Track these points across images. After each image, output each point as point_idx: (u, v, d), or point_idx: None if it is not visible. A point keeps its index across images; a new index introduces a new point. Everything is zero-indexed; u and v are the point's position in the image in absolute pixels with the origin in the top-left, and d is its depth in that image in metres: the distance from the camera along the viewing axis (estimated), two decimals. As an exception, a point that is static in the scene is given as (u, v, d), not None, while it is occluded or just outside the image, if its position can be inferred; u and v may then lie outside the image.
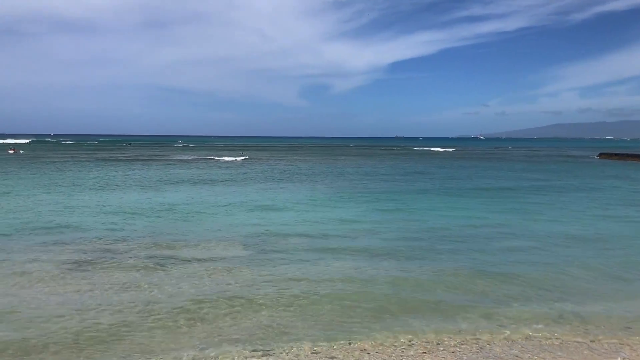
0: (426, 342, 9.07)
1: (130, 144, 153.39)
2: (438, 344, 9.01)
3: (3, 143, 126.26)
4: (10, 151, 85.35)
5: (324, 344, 8.93)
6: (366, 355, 8.50)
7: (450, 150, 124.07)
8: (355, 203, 26.56)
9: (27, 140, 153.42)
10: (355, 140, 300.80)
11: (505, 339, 9.27)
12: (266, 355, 8.43)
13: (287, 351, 8.63)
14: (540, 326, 9.91)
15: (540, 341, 9.20)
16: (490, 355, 8.56)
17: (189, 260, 14.46)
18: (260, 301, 11.06)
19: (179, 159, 70.05)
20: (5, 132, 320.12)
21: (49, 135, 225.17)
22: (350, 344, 8.96)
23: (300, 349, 8.70)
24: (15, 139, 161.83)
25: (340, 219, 21.31)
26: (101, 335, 9.24)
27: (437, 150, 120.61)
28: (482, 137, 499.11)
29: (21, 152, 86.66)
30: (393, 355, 8.52)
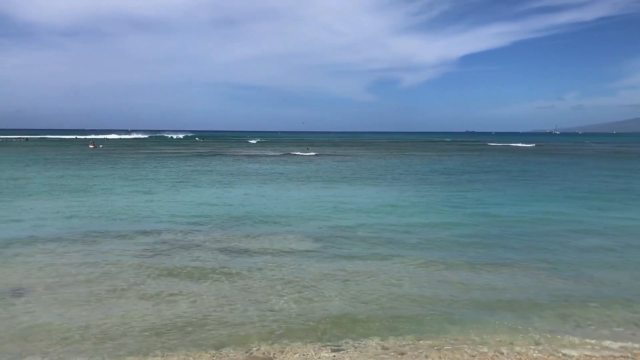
0: (499, 341, 8.87)
1: (202, 139, 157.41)
2: (511, 344, 8.79)
3: (86, 138, 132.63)
4: (90, 146, 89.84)
5: (393, 339, 8.91)
6: (436, 352, 8.41)
7: (529, 145, 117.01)
8: (428, 201, 25.98)
9: (117, 136, 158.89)
10: (424, 135, 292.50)
11: (582, 341, 8.92)
12: (335, 350, 8.50)
13: (355, 346, 8.67)
14: (620, 329, 9.48)
15: (620, 346, 8.78)
16: (568, 358, 8.27)
17: (261, 254, 14.77)
18: (329, 296, 11.16)
19: (249, 154, 71.36)
20: (87, 128, 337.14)
21: (126, 131, 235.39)
22: (420, 340, 8.89)
23: (369, 345, 8.71)
24: (96, 134, 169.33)
25: (412, 217, 21.02)
26: (177, 324, 9.61)
27: (517, 146, 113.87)
28: (557, 132, 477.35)
29: (100, 146, 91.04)
30: (465, 353, 8.39)
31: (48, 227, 18.58)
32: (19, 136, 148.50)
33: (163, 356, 8.36)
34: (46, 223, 19.29)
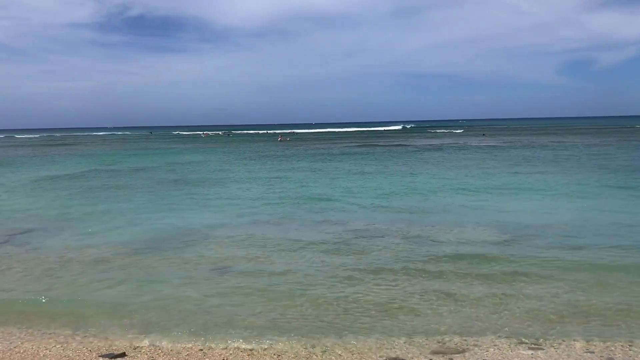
0: None
1: (385, 130, 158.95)
2: None
3: (275, 133, 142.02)
4: (279, 139, 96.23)
5: (600, 343, 8.20)
6: (652, 360, 7.58)
7: None
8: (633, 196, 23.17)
9: (304, 130, 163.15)
10: (627, 120, 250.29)
11: None
12: (533, 349, 8.07)
13: (556, 347, 8.14)
14: None
15: None
16: None
17: (443, 243, 14.60)
18: (523, 290, 10.63)
19: (430, 144, 70.44)
20: (275, 123, 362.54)
21: (312, 125, 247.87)
22: (630, 345, 8.08)
23: (572, 346, 8.11)
24: (283, 128, 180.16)
25: (610, 210, 19.02)
26: (367, 309, 9.89)
27: None
28: None
29: (288, 139, 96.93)
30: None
31: (246, 212, 20.40)
32: (216, 132, 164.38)
33: (355, 340, 8.65)
34: (244, 208, 21.20)
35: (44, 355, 8.31)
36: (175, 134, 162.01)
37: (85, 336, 9.08)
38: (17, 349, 8.57)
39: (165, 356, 8.23)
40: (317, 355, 8.11)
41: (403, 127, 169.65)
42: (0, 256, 14.32)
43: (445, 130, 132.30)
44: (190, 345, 8.66)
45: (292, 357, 8.08)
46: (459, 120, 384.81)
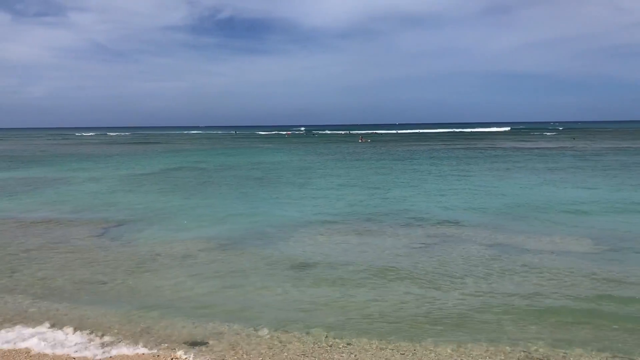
0: None
1: (473, 132, 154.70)
2: None
3: (357, 133, 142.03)
4: (359, 140, 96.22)
5: None
6: None
7: None
8: None
9: (384, 131, 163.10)
10: None
11: None
12: (629, 364, 7.58)
13: (653, 364, 7.61)
14: None
15: None
16: None
17: (532, 251, 13.98)
18: (617, 304, 10.01)
19: (518, 147, 67.89)
20: (358, 123, 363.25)
21: (394, 126, 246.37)
22: None
23: (673, 366, 7.56)
24: (366, 129, 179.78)
25: None
26: (449, 314, 9.68)
27: None
28: None
29: (369, 141, 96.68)
30: None
31: (327, 211, 20.61)
32: (298, 130, 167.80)
33: (435, 345, 8.47)
34: (325, 208, 21.42)
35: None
36: (259, 134, 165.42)
37: (170, 325, 9.45)
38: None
39: (245, 347, 8.45)
40: (394, 357, 8.02)
41: (494, 129, 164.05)
42: (95, 248, 15.20)
43: (536, 133, 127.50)
44: (269, 337, 8.82)
45: (370, 357, 8.04)
46: (551, 122, 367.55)
